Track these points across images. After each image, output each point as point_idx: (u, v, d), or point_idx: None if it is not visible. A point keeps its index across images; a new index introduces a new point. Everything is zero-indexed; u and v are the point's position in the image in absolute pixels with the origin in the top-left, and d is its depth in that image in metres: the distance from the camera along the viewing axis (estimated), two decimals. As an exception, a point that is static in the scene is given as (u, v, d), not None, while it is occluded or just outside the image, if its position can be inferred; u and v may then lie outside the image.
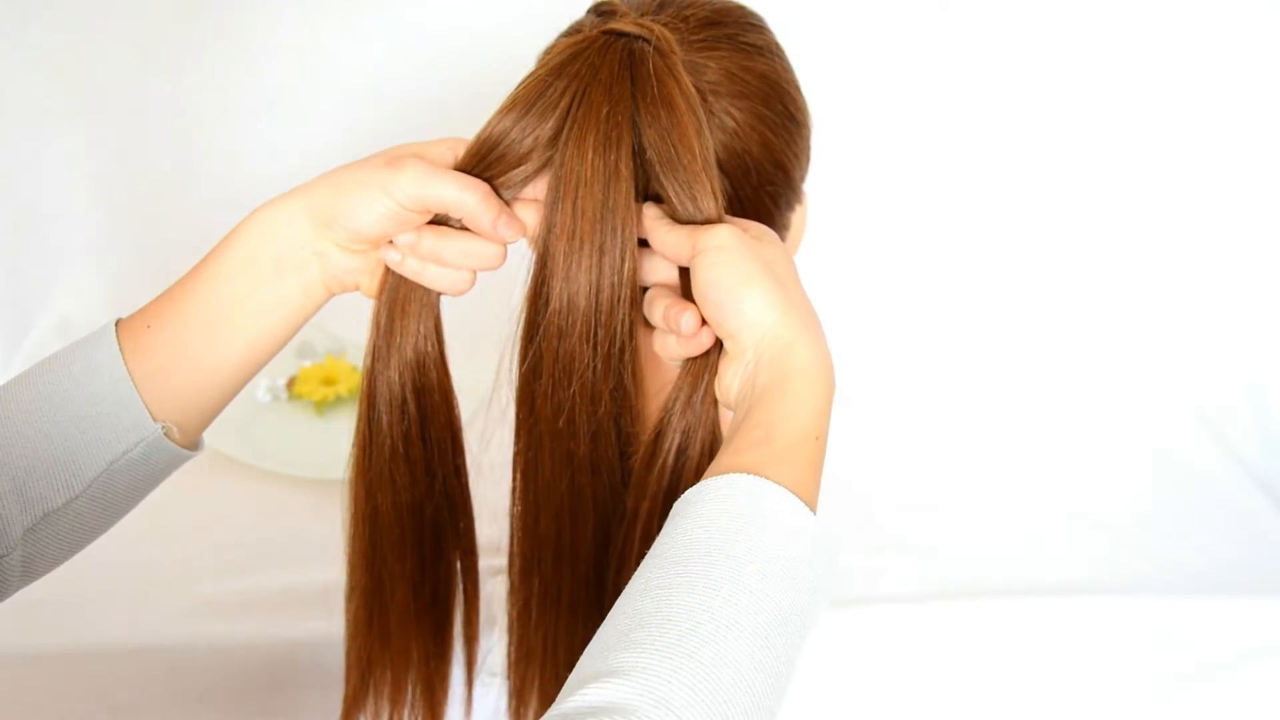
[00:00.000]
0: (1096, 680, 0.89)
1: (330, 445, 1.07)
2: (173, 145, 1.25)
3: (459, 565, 0.69)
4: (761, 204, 0.61)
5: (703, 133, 0.54)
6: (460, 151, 0.56)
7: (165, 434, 0.56)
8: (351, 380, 1.14)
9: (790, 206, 0.63)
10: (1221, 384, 1.27)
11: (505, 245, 0.56)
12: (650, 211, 0.55)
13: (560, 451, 0.58)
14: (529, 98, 0.54)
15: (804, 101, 0.63)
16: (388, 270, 0.58)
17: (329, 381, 1.14)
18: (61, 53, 1.19)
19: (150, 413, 0.55)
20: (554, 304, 0.55)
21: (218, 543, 0.94)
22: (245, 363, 0.57)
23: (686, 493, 0.48)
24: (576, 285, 0.54)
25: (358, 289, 0.59)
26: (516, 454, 0.60)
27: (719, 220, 0.54)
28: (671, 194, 0.54)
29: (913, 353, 1.27)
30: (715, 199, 0.54)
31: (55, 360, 0.56)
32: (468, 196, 0.54)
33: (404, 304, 0.58)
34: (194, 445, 0.59)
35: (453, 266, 0.57)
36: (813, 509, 0.48)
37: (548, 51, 0.62)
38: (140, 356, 0.55)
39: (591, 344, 0.55)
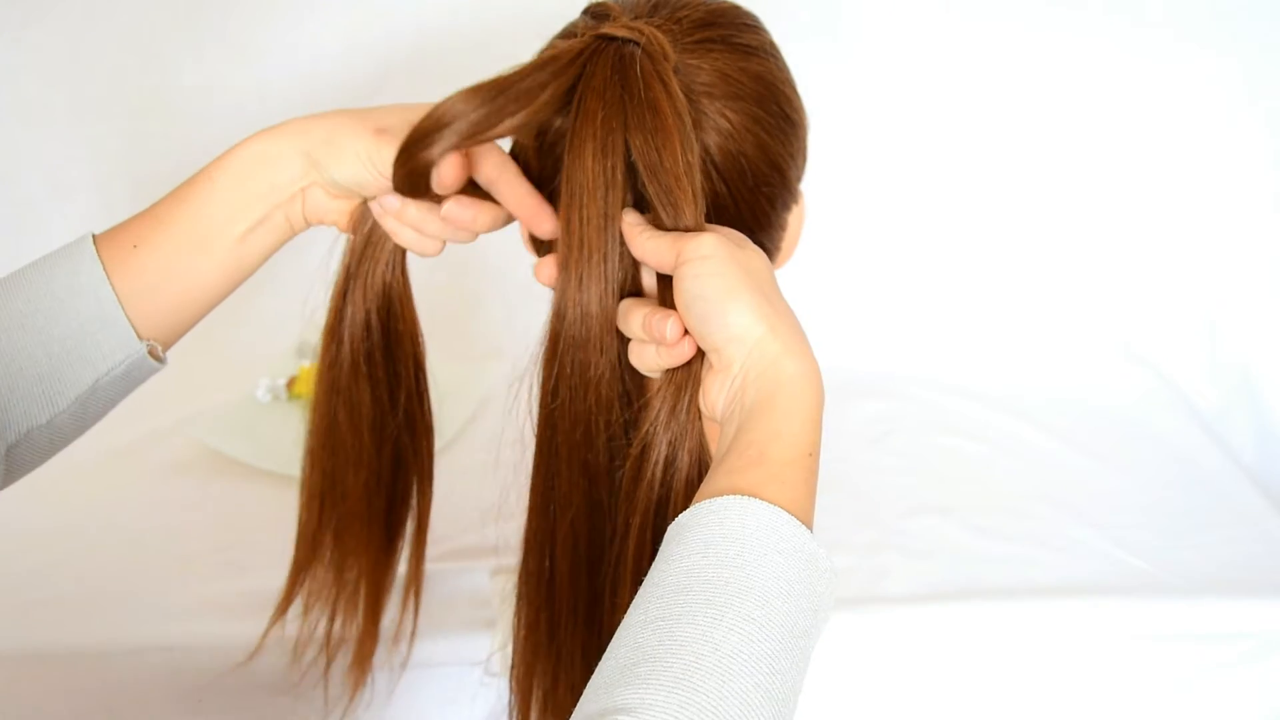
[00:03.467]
0: (1096, 681, 0.89)
1: (330, 445, 1.07)
2: (173, 145, 1.25)
3: (415, 488, 0.72)
4: (758, 205, 0.60)
5: (688, 139, 0.54)
6: None
7: (149, 351, 0.57)
8: (351, 380, 1.14)
9: (786, 207, 0.63)
10: (1221, 383, 1.27)
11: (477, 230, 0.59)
12: (628, 218, 0.55)
13: (577, 462, 0.58)
14: (501, 84, 0.53)
15: (800, 102, 0.62)
16: (363, 207, 0.61)
17: (329, 381, 1.14)
18: (61, 53, 1.19)
19: (136, 331, 0.56)
20: (570, 315, 0.55)
21: (218, 543, 0.94)
22: (226, 282, 0.60)
23: (681, 516, 0.47)
24: (589, 295, 0.55)
25: (335, 225, 0.62)
26: (536, 468, 0.60)
27: (699, 228, 0.54)
28: (654, 199, 0.54)
29: (911, 351, 1.27)
30: (695, 206, 0.54)
31: (31, 277, 0.56)
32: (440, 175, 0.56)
33: (377, 239, 0.62)
34: (162, 358, 0.61)
35: (430, 237, 0.60)
36: (809, 526, 0.47)
37: (542, 54, 0.62)
38: (127, 276, 0.56)
39: (601, 352, 0.56)
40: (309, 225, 0.61)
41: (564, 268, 0.55)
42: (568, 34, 0.61)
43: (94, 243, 0.57)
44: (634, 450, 0.56)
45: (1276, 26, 1.20)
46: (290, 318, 1.11)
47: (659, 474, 0.55)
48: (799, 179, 0.64)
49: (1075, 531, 1.00)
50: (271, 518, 0.98)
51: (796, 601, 0.45)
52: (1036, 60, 1.23)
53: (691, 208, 0.54)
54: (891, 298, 1.31)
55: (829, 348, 1.28)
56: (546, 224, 0.58)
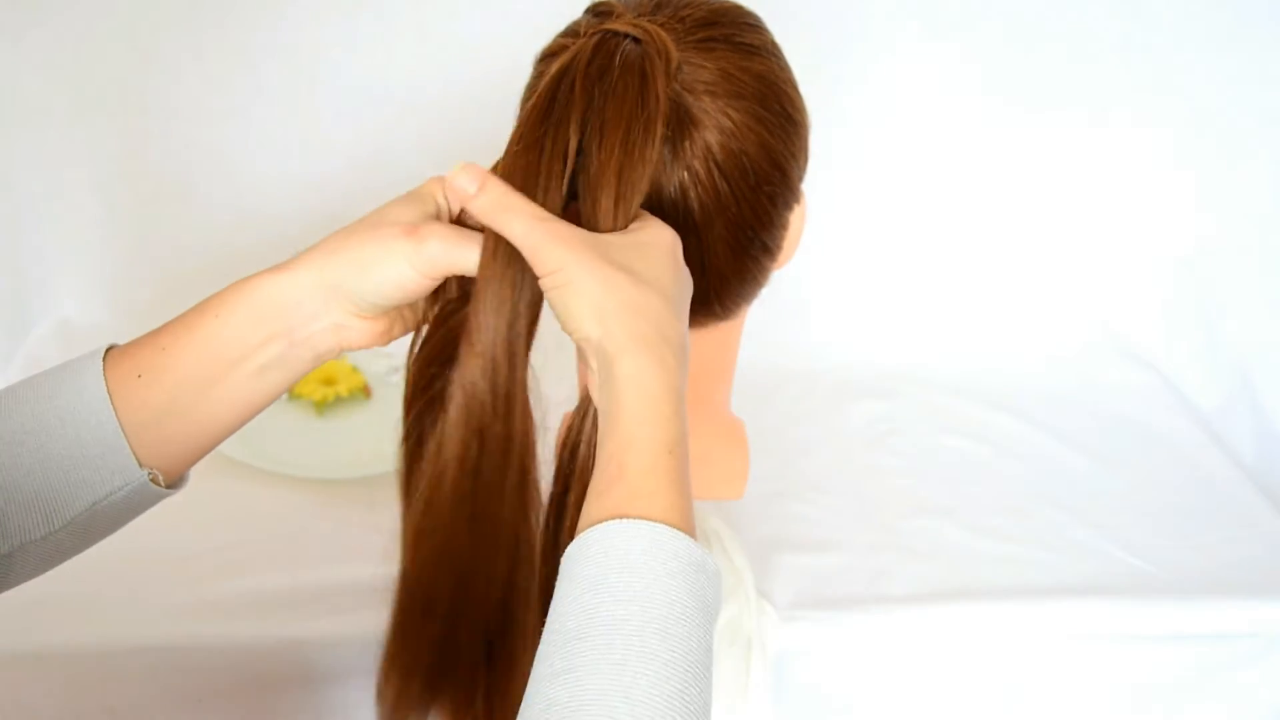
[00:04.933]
0: (1097, 681, 0.89)
1: (330, 445, 1.07)
2: (173, 145, 1.25)
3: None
4: (759, 204, 0.60)
5: (646, 136, 0.53)
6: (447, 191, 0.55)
7: (150, 479, 0.54)
8: (351, 380, 1.14)
9: (788, 206, 0.63)
10: (1221, 384, 1.27)
11: None
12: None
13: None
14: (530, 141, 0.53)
15: (801, 101, 0.62)
16: (429, 302, 0.57)
17: (329, 381, 1.14)
18: (61, 53, 1.19)
19: (137, 459, 0.53)
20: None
21: (218, 543, 0.94)
22: (239, 415, 0.56)
23: (569, 548, 0.46)
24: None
25: (372, 345, 0.58)
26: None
27: (613, 227, 0.52)
28: (580, 188, 0.53)
29: (911, 351, 1.27)
30: (619, 204, 0.53)
31: (37, 389, 0.54)
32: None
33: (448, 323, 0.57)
34: (178, 484, 0.58)
35: None
36: (687, 527, 0.46)
37: (544, 54, 0.62)
38: (130, 407, 0.53)
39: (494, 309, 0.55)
40: (341, 353, 0.57)
41: None
42: (570, 32, 0.61)
43: (104, 361, 0.54)
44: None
45: (1275, 27, 1.20)
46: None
47: (564, 468, 0.57)
48: (801, 179, 0.64)
49: (1075, 532, 1.00)
50: (272, 518, 0.98)
51: (694, 619, 0.43)
52: (1036, 60, 1.23)
53: (610, 202, 0.52)
54: (892, 297, 1.31)
55: (830, 348, 1.29)
56: None
